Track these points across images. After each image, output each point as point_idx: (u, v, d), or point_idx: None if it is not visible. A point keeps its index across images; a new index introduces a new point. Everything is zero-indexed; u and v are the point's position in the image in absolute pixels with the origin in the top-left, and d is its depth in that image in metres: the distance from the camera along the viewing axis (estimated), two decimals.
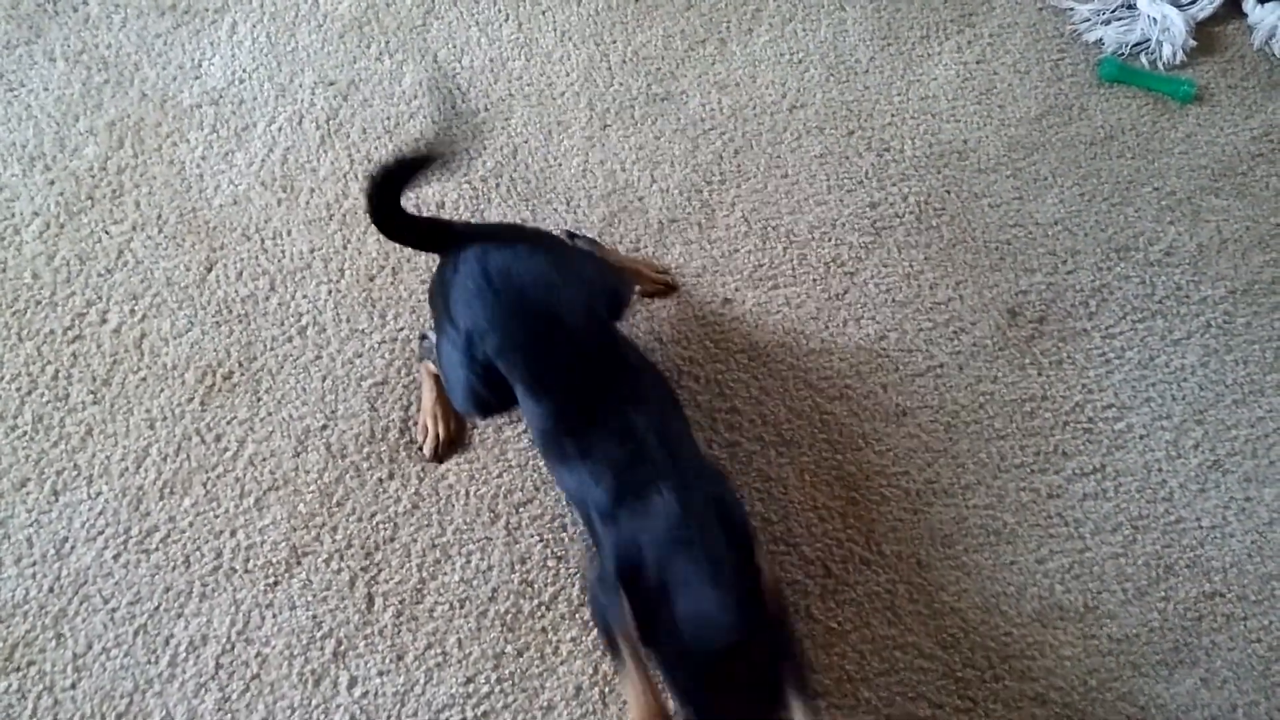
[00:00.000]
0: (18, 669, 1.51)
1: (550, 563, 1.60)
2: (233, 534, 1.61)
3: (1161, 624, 1.64)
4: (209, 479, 1.64)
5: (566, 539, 1.62)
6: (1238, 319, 1.89)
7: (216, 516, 1.62)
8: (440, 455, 1.68)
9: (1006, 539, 1.68)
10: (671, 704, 1.35)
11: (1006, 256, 1.94)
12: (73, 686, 1.50)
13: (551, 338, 1.47)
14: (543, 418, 1.47)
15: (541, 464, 1.66)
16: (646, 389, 1.50)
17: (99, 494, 1.62)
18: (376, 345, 1.74)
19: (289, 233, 1.84)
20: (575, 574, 1.59)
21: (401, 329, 1.76)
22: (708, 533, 1.37)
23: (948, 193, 2.02)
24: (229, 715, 1.50)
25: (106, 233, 1.81)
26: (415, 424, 1.69)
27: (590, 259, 1.71)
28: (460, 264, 1.51)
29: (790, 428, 1.73)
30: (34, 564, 1.57)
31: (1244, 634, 1.63)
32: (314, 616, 1.56)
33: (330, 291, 1.79)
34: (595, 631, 1.51)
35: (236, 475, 1.64)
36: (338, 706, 1.51)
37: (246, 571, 1.59)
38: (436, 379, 1.67)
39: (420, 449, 1.67)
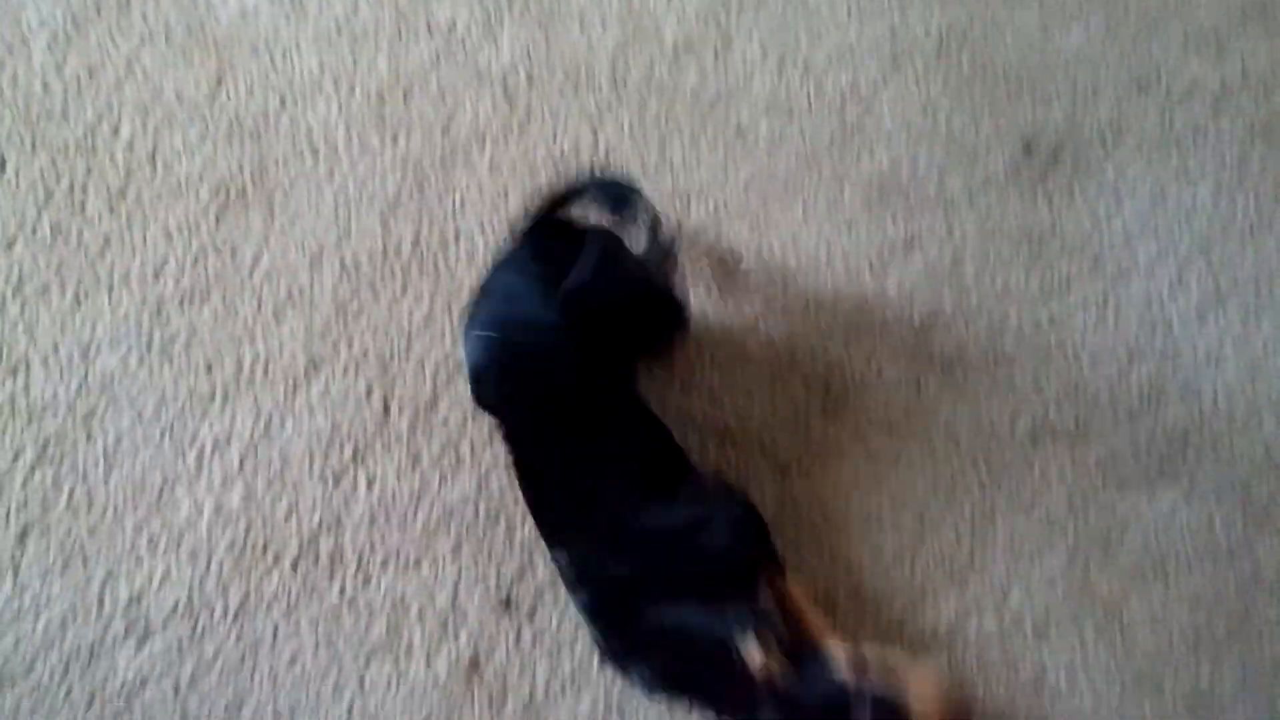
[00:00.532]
0: (51, 462, 1.88)
1: None
2: (252, 343, 1.96)
3: (1149, 445, 2.00)
4: (226, 290, 1.98)
5: None
6: (1253, 156, 2.20)
7: (235, 326, 1.97)
8: None
9: (1005, 364, 2.03)
10: None
11: (1025, 89, 2.25)
12: (104, 479, 1.87)
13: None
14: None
15: None
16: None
17: (119, 302, 1.96)
18: (389, 165, 2.06)
19: (298, 49, 2.15)
20: None
21: (414, 149, 2.08)
22: None
23: (971, 22, 2.31)
24: (255, 508, 1.87)
25: (114, 45, 2.12)
26: None
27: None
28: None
29: (795, 256, 2.06)
30: (61, 366, 1.92)
31: (1228, 455, 2.00)
32: (333, 422, 1.92)
33: (341, 110, 2.10)
34: None
35: (253, 288, 1.99)
36: (357, 504, 1.89)
37: (266, 378, 1.94)
38: None
39: None
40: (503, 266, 1.76)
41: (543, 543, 1.84)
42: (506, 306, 1.72)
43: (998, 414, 2.01)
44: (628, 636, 1.70)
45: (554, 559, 1.75)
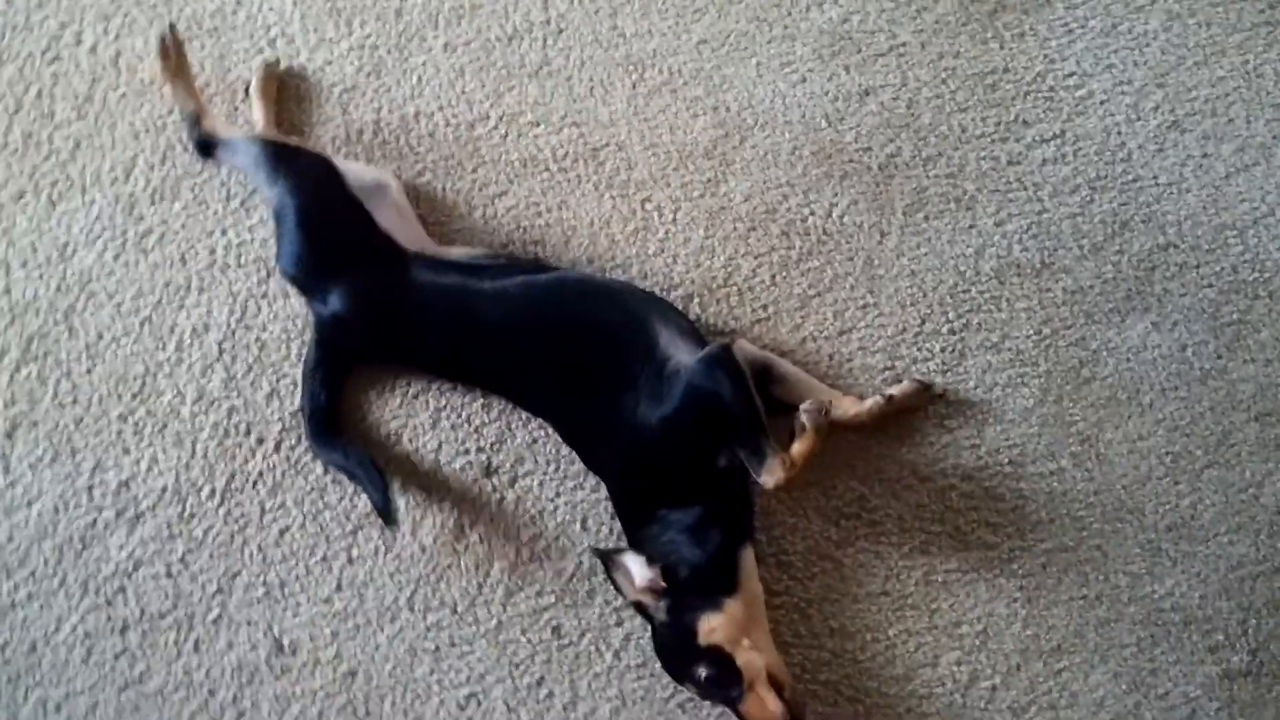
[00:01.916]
0: (35, 358, 1.59)
1: None
2: (223, 233, 1.65)
3: (1115, 275, 1.67)
4: (195, 184, 1.67)
5: None
6: None
7: (206, 218, 1.66)
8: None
9: (966, 205, 1.69)
10: None
11: None
12: (88, 372, 1.58)
13: None
14: None
15: None
16: None
17: (93, 201, 1.66)
18: (345, 53, 1.73)
19: None
20: None
21: (369, 35, 1.75)
22: None
23: None
24: (235, 391, 1.58)
25: None
26: None
27: None
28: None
29: (752, 113, 1.73)
30: (40, 266, 1.63)
31: (1196, 280, 1.66)
32: (306, 302, 1.63)
33: (295, 2, 1.77)
34: None
35: (221, 180, 1.67)
36: None
37: (240, 266, 1.64)
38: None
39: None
40: None
41: (519, 410, 1.56)
42: None
43: (962, 255, 1.67)
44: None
45: None
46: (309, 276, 1.52)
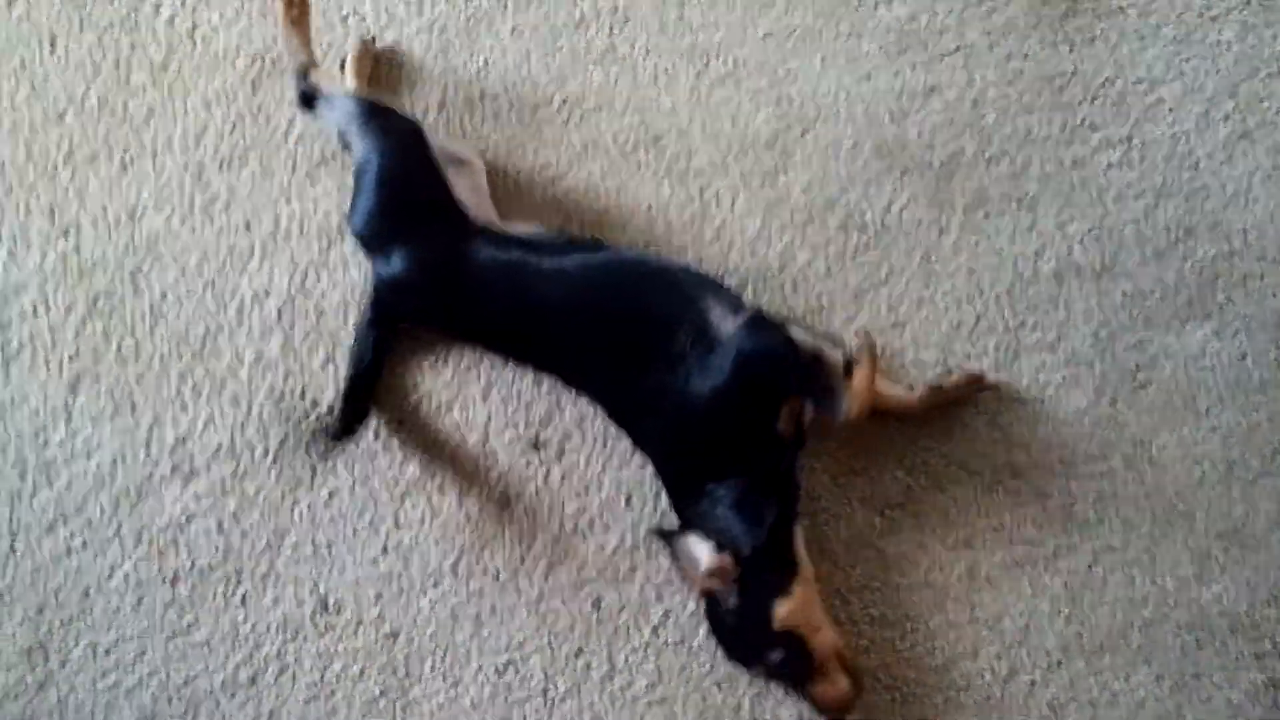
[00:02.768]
0: (101, 315, 1.79)
1: None
2: (288, 202, 1.85)
3: (1177, 282, 1.81)
4: (263, 154, 1.88)
5: None
6: None
7: (272, 186, 1.86)
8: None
9: (1028, 206, 1.85)
10: None
11: None
12: (150, 331, 1.78)
13: None
14: None
15: None
16: None
17: (163, 167, 1.87)
18: (414, 33, 1.94)
19: None
20: None
21: (438, 17, 1.96)
22: None
23: None
24: (293, 356, 1.77)
25: None
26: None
27: None
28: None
29: (814, 107, 1.90)
30: (109, 227, 1.83)
31: (1259, 290, 1.80)
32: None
33: None
34: None
35: (288, 151, 1.87)
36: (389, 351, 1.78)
37: (302, 235, 1.84)
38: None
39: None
40: None
41: (568, 388, 1.73)
42: None
43: (1022, 255, 1.83)
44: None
45: None
46: (377, 235, 1.70)
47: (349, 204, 1.71)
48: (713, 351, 1.59)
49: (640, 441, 1.68)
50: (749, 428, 1.57)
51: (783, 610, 1.51)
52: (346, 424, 1.70)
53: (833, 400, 1.55)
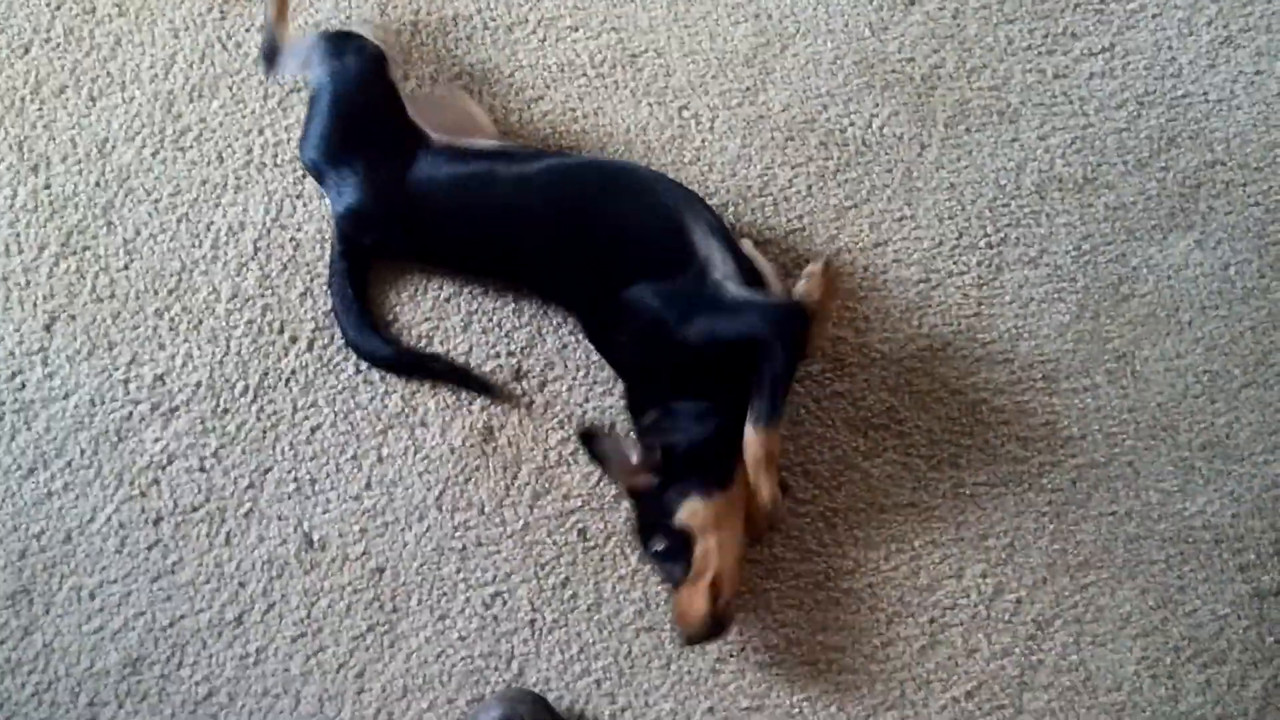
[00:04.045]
0: (74, 253, 1.35)
1: None
2: (260, 132, 1.39)
3: (1159, 192, 1.38)
4: (234, 83, 1.41)
5: None
6: None
7: (244, 117, 1.40)
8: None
9: (1009, 118, 1.40)
10: None
11: None
12: (125, 267, 1.34)
13: None
14: None
15: None
16: None
17: (132, 98, 1.40)
18: None
19: None
20: None
21: None
22: None
23: None
24: (270, 289, 1.33)
25: None
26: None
27: None
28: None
29: (794, 20, 1.43)
30: (79, 161, 1.38)
31: (1242, 199, 1.37)
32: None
33: None
34: None
35: (259, 79, 1.40)
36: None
37: (276, 166, 1.38)
38: None
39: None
40: None
41: (549, 314, 1.31)
42: None
43: (1003, 168, 1.39)
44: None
45: None
46: (328, 161, 1.27)
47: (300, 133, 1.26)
48: (705, 286, 1.17)
49: (609, 352, 1.27)
50: (733, 371, 1.16)
51: (687, 510, 1.15)
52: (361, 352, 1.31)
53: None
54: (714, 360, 1.18)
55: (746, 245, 1.28)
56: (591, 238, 1.22)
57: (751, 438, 1.14)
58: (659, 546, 1.18)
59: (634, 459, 1.18)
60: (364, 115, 1.26)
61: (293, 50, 1.35)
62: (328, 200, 1.30)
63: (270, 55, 1.36)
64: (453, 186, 1.23)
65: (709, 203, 1.33)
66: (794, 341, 1.17)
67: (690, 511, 1.15)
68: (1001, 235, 1.37)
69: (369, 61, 1.28)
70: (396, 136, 1.26)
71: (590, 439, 1.20)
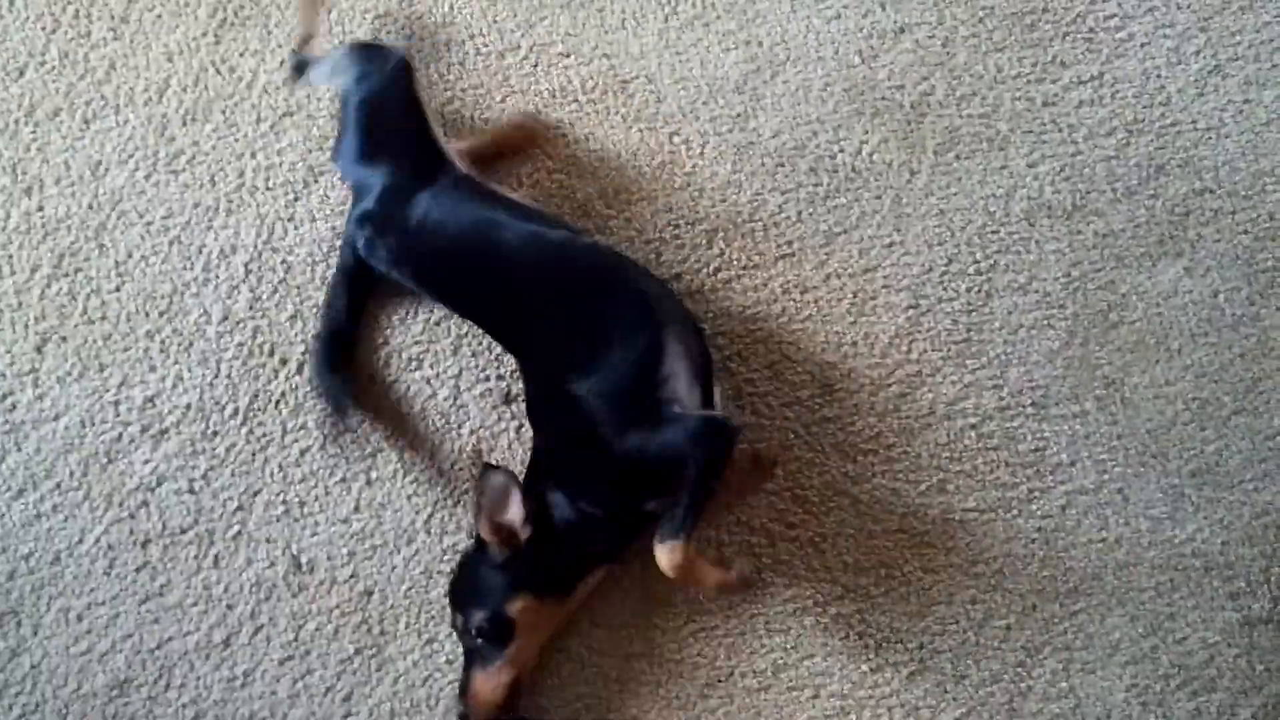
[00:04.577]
0: (66, 275, 1.34)
1: None
2: (253, 155, 1.39)
3: (1149, 220, 1.37)
4: (227, 106, 1.41)
5: None
6: None
7: (236, 140, 1.40)
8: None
9: (999, 145, 1.40)
10: None
11: None
12: (117, 289, 1.34)
13: None
14: None
15: None
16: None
17: (126, 121, 1.40)
18: None
19: None
20: None
21: None
22: None
23: None
24: (260, 312, 1.33)
25: None
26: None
27: None
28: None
29: (785, 49, 1.43)
30: (72, 184, 1.37)
31: (1231, 226, 1.37)
32: (333, 228, 1.36)
33: None
34: None
35: (252, 103, 1.41)
36: None
37: (268, 189, 1.38)
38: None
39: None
40: None
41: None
42: None
43: (993, 195, 1.38)
44: None
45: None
46: (356, 167, 1.27)
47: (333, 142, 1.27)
48: (658, 406, 1.14)
49: (539, 423, 1.22)
50: (636, 489, 1.15)
51: (521, 603, 1.12)
52: (330, 394, 1.27)
53: (670, 535, 1.10)
54: (631, 474, 1.15)
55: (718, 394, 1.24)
56: (573, 321, 1.19)
57: (663, 549, 1.09)
58: (479, 622, 1.13)
59: (512, 512, 1.14)
60: (390, 124, 1.27)
61: (322, 61, 1.35)
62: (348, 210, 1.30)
63: (300, 66, 1.37)
64: (455, 222, 1.22)
65: (699, 230, 1.33)
66: (715, 457, 1.13)
67: (523, 606, 1.13)
68: (991, 261, 1.36)
69: (396, 72, 1.28)
70: (419, 152, 1.25)
71: (488, 469, 1.16)
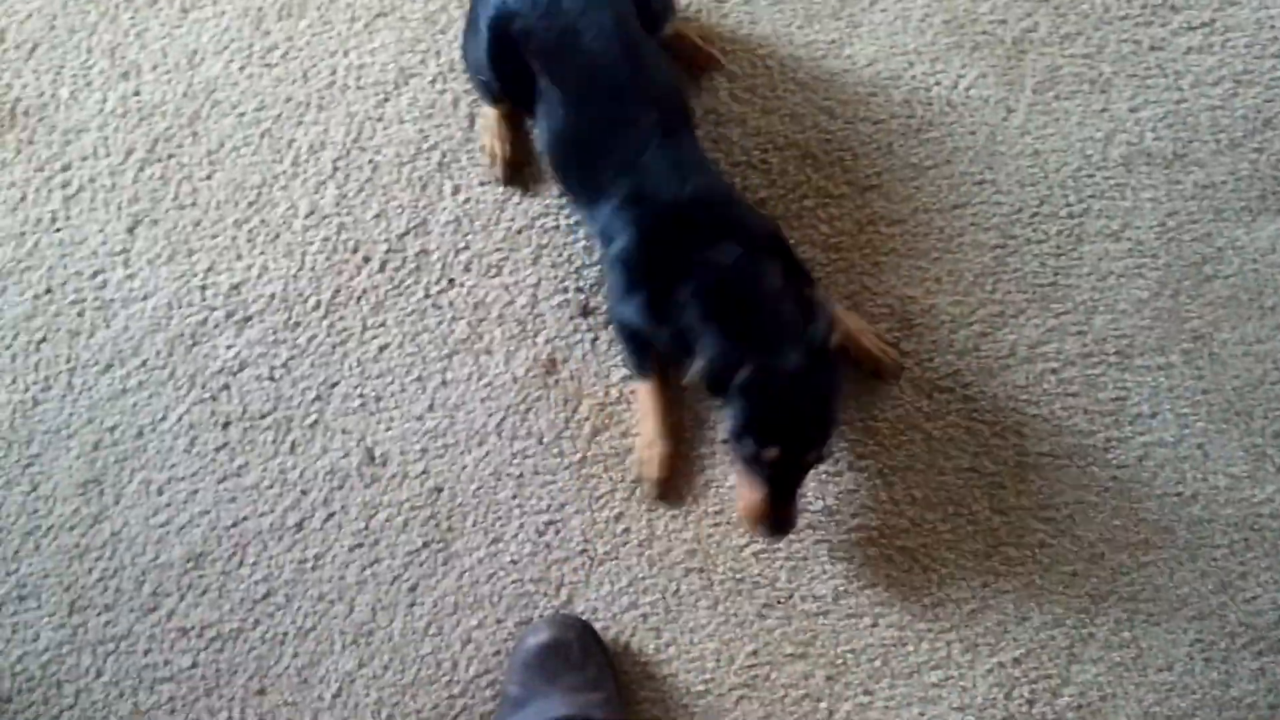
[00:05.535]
0: (159, 160, 1.33)
1: None
2: (345, 54, 1.36)
3: (1251, 173, 1.29)
4: (322, 3, 1.37)
5: None
6: None
7: (330, 38, 1.36)
8: (507, 177, 1.30)
9: (1101, 87, 1.32)
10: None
11: None
12: (208, 177, 1.32)
13: (573, 38, 1.13)
14: (552, 125, 1.17)
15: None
16: (661, 111, 1.15)
17: (223, 12, 1.37)
18: None
19: None
20: None
21: None
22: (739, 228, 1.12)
23: None
24: (346, 209, 1.31)
25: None
26: (479, 147, 1.32)
27: None
28: None
29: None
30: (169, 71, 1.35)
31: None
32: (421, 131, 1.33)
33: None
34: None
35: (347, 2, 1.37)
36: (443, 209, 1.30)
37: (359, 88, 1.35)
38: None
39: (487, 172, 1.30)
40: None
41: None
42: None
43: (1090, 138, 1.31)
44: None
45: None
46: None
47: None
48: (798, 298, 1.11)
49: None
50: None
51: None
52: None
53: None
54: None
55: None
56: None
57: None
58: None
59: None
60: None
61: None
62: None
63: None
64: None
65: (787, 154, 1.28)
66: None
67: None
68: (1084, 206, 1.29)
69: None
70: None
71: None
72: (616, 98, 1.15)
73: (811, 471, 1.11)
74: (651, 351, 1.21)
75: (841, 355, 1.16)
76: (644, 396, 1.22)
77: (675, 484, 1.21)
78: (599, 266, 1.28)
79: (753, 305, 1.09)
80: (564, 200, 1.30)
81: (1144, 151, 1.30)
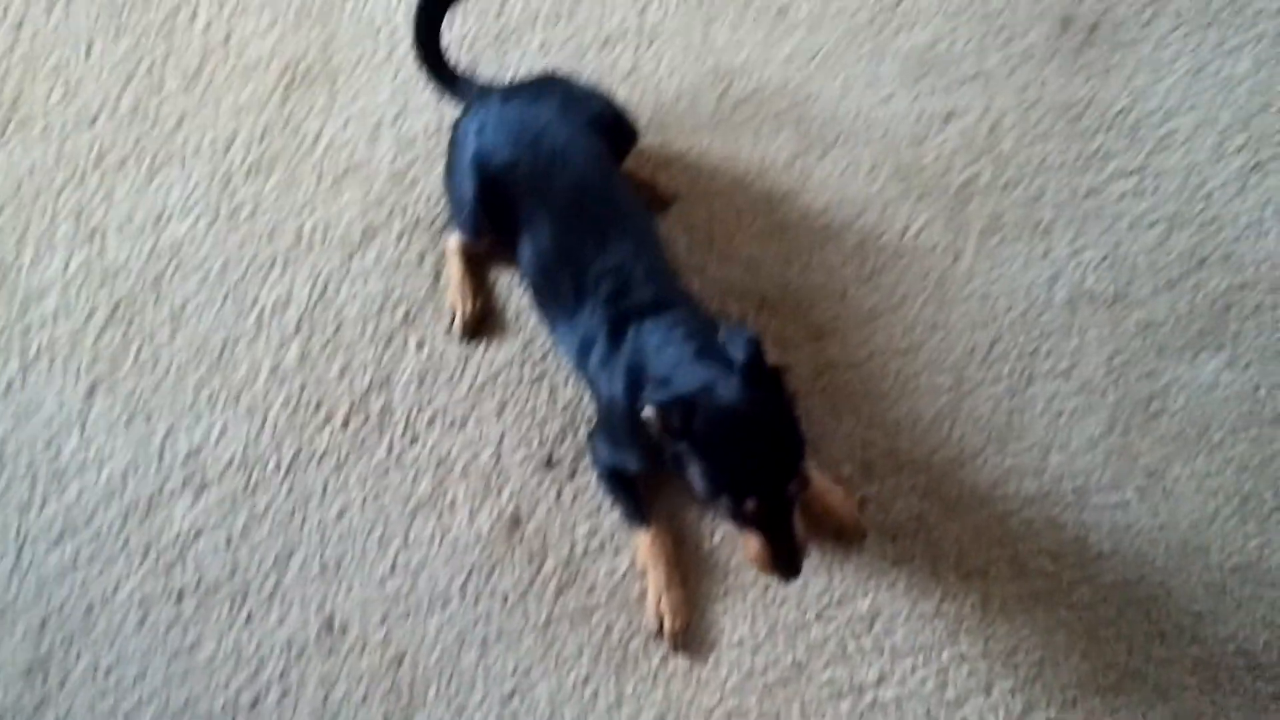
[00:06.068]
0: (121, 322, 1.30)
1: None
2: (312, 212, 1.35)
3: (1190, 311, 1.32)
4: (290, 163, 1.37)
5: None
6: None
7: (297, 196, 1.36)
8: (470, 330, 1.30)
9: (1043, 232, 1.35)
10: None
11: None
12: (170, 339, 1.29)
13: (553, 170, 1.17)
14: (537, 246, 1.18)
15: None
16: (635, 228, 1.18)
17: (191, 174, 1.37)
18: (445, 46, 1.43)
19: None
20: None
21: (469, 31, 1.45)
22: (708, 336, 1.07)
23: None
24: (309, 367, 1.28)
25: None
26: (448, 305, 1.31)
27: (597, 98, 1.29)
28: (480, 105, 1.23)
29: (835, 128, 1.39)
30: (135, 233, 1.34)
31: (1272, 321, 1.30)
32: (386, 286, 1.32)
33: None
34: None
35: (314, 160, 1.38)
36: (407, 364, 1.28)
37: (324, 245, 1.34)
38: (460, 255, 1.31)
39: (450, 327, 1.30)
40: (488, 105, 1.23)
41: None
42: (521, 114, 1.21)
43: (1035, 281, 1.33)
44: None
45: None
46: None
47: None
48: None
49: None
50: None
51: None
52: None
53: None
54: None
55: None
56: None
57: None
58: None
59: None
60: None
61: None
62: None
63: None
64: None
65: (744, 303, 1.28)
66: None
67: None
68: (1033, 347, 1.30)
69: None
70: None
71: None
72: (598, 215, 1.17)
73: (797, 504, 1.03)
74: (642, 495, 1.19)
75: (804, 510, 1.13)
76: (647, 546, 1.18)
77: (696, 629, 1.17)
78: (562, 418, 1.26)
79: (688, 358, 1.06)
80: (528, 352, 1.29)
81: (1087, 292, 1.32)
